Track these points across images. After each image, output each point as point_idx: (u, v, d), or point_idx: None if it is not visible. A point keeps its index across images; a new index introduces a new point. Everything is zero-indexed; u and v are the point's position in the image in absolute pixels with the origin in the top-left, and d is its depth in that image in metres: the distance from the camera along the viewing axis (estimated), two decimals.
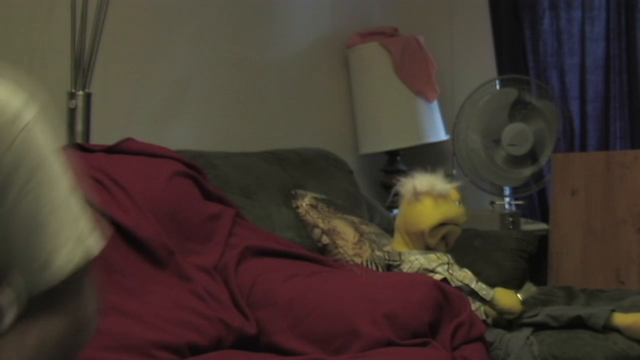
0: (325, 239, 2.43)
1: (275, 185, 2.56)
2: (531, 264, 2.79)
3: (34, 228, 1.05)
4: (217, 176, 2.43)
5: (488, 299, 2.15)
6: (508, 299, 2.17)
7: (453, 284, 2.14)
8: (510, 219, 3.07)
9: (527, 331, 2.11)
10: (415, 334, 1.72)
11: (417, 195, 2.28)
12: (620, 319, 2.11)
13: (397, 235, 2.35)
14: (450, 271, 2.18)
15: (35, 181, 1.05)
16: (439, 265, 2.20)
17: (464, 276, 2.17)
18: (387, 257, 2.31)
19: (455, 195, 2.31)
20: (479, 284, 2.17)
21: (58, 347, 1.10)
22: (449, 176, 2.43)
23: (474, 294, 2.15)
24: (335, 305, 1.78)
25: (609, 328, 2.11)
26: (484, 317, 2.15)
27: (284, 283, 1.91)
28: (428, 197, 2.27)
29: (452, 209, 2.30)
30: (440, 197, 2.27)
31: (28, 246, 1.06)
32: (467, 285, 2.16)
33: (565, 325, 2.14)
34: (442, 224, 2.29)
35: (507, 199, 3.27)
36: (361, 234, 2.44)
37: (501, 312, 2.18)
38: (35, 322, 1.08)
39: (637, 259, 2.86)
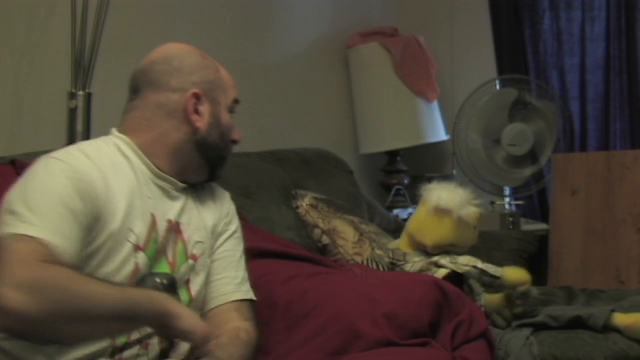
0: (325, 239, 2.43)
1: (275, 185, 2.56)
2: (531, 264, 2.79)
3: (237, 258, 1.71)
4: None
5: (498, 274, 2.11)
6: (515, 272, 2.14)
7: (461, 271, 2.12)
8: (510, 219, 3.07)
9: (526, 331, 2.10)
10: (415, 333, 1.71)
11: (438, 210, 2.21)
12: (620, 319, 2.11)
13: (404, 235, 2.31)
14: (453, 260, 2.16)
15: (239, 231, 1.76)
16: (441, 258, 2.18)
17: (468, 259, 2.15)
18: (391, 255, 2.28)
19: (475, 220, 2.25)
20: (485, 263, 2.15)
21: (252, 348, 1.57)
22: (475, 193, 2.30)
23: (484, 273, 2.12)
24: (335, 306, 1.78)
25: (608, 328, 2.10)
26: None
27: (283, 285, 1.91)
28: (448, 217, 2.19)
29: (466, 235, 2.21)
30: (461, 221, 2.20)
31: (232, 269, 1.68)
32: (475, 267, 2.13)
33: (565, 325, 2.13)
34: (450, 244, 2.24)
35: (507, 199, 3.27)
36: (361, 233, 2.44)
37: (512, 286, 2.14)
38: (243, 324, 1.60)
39: (637, 259, 2.86)
